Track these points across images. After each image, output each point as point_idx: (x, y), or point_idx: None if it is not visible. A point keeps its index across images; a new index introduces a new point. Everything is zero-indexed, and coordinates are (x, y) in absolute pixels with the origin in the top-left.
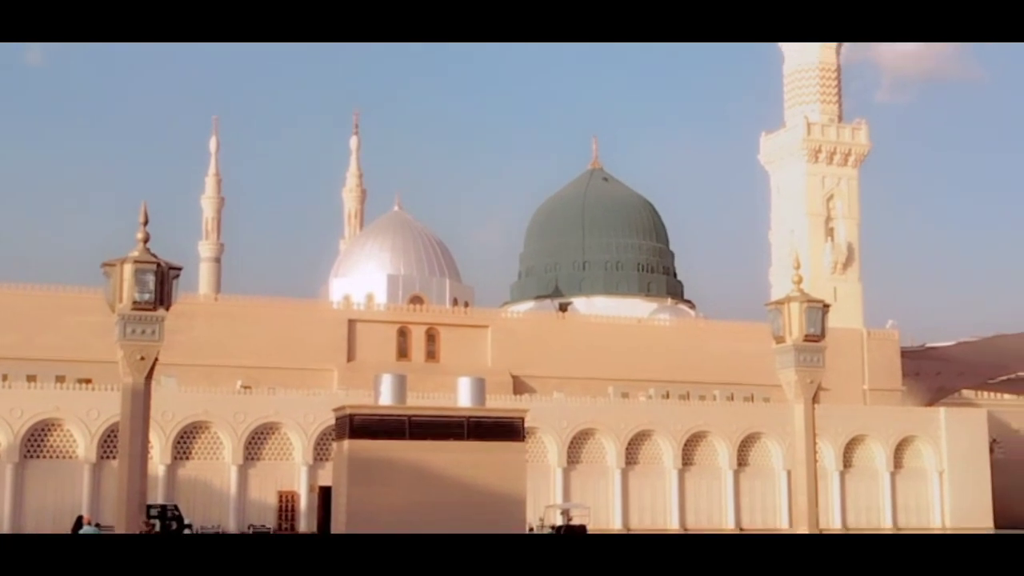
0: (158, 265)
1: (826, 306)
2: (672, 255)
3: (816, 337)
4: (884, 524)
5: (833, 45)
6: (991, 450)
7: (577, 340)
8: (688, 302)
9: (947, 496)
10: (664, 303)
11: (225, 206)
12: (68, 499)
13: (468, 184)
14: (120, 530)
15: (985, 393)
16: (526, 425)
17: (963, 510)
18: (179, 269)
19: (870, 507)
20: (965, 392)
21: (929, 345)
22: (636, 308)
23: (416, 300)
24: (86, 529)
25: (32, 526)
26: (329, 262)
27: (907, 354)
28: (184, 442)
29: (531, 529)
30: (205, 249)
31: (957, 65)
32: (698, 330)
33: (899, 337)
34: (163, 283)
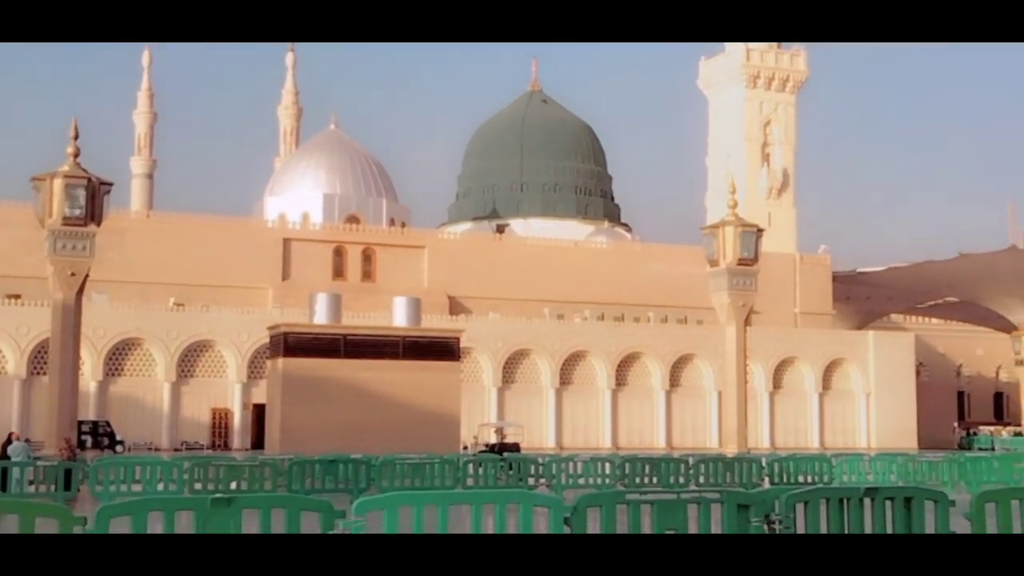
0: (89, 180)
1: (760, 231)
2: (610, 178)
3: (749, 261)
4: (812, 444)
5: None
6: (917, 373)
7: (514, 261)
8: (625, 225)
9: (873, 417)
10: (601, 226)
11: (158, 122)
12: None
13: (406, 104)
14: (50, 447)
15: (913, 317)
16: (462, 345)
17: (888, 431)
18: (110, 185)
19: (798, 428)
20: (894, 316)
21: (860, 270)
22: (573, 230)
23: (352, 220)
24: (15, 446)
25: None
26: (264, 180)
27: (838, 279)
28: (116, 359)
29: (465, 448)
30: (137, 165)
31: None
32: (634, 253)
33: (831, 262)
34: (94, 198)
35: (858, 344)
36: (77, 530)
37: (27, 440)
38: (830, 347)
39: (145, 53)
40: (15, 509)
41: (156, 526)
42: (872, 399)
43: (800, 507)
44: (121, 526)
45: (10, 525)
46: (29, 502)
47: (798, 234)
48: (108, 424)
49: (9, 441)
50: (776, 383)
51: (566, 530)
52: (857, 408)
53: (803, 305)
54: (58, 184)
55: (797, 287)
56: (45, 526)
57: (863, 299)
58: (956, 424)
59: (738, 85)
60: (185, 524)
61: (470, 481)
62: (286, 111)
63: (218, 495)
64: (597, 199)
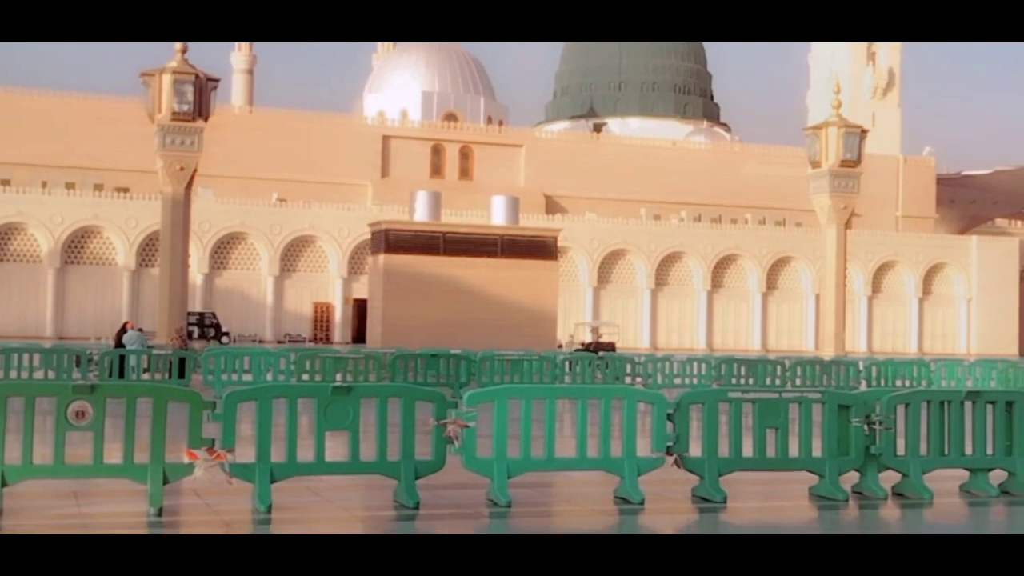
0: (197, 76)
1: (864, 132)
2: (709, 77)
3: (852, 163)
4: (910, 349)
5: None
6: (1021, 279)
7: (611, 161)
8: (724, 125)
9: (974, 323)
10: (700, 125)
11: None
12: (108, 305)
13: None
14: (161, 336)
15: (1019, 222)
16: (558, 244)
17: (989, 337)
18: (217, 81)
19: (896, 332)
20: (998, 221)
21: (965, 173)
22: (671, 130)
23: (450, 117)
24: (131, 334)
25: (75, 331)
26: (362, 77)
27: (943, 181)
28: (221, 252)
29: (560, 346)
30: (238, 60)
31: None
32: (733, 153)
33: (935, 164)
34: (201, 94)
35: (960, 249)
36: (207, 414)
37: (140, 329)
38: (932, 251)
39: None
40: (150, 392)
41: (280, 411)
42: (973, 305)
43: (901, 409)
44: (247, 410)
45: (144, 408)
46: (163, 386)
47: (903, 135)
48: (214, 316)
49: (124, 330)
50: (875, 287)
51: (668, 426)
52: (958, 314)
53: (905, 208)
54: (167, 80)
55: (900, 190)
56: (177, 409)
57: (967, 203)
58: None
59: None
60: (304, 410)
61: (567, 379)
62: None
63: (338, 384)
64: (696, 98)
